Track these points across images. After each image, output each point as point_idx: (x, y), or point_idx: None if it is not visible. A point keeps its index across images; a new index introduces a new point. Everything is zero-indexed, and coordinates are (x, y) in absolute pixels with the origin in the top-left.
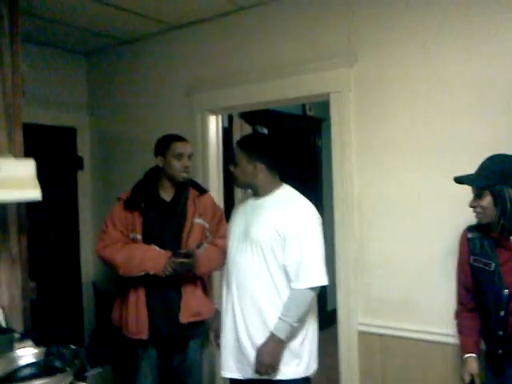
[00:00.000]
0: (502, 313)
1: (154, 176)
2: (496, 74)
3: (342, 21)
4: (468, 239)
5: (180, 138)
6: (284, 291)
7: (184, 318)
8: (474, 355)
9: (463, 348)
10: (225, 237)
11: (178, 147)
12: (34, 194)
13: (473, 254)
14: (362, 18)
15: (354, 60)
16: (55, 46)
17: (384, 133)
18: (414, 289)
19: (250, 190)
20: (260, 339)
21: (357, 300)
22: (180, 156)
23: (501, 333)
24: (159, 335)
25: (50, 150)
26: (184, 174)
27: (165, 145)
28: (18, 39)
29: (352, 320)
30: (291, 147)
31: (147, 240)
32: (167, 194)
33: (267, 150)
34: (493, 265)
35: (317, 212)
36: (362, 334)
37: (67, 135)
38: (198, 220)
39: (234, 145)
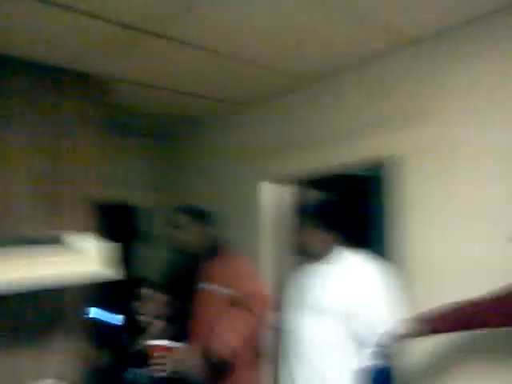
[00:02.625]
0: None
1: None
2: None
3: (398, 87)
4: None
5: None
6: (354, 363)
7: None
8: None
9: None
10: None
11: None
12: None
13: None
14: (419, 83)
15: (412, 124)
16: (126, 131)
17: (444, 197)
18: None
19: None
20: None
21: None
22: None
23: None
24: None
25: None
26: None
27: None
28: (101, 133)
29: None
30: (348, 208)
31: None
32: None
33: (332, 217)
34: None
35: (382, 270)
36: None
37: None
38: None
39: (300, 212)
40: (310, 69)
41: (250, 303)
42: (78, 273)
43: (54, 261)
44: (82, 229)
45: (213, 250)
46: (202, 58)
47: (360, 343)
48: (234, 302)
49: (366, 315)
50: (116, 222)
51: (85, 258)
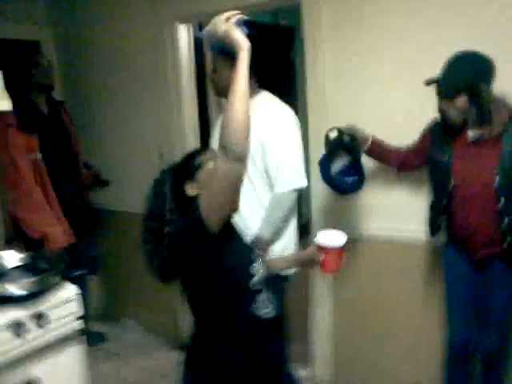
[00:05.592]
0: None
1: None
2: None
3: None
4: (432, 132)
5: None
6: (266, 200)
7: None
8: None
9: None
10: None
11: None
12: (4, 104)
13: (432, 147)
14: None
15: None
16: None
17: (358, 41)
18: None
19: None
20: None
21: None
22: None
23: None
24: None
25: (13, 63)
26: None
27: None
28: None
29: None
30: (265, 56)
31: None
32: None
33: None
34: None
35: (296, 116)
36: None
37: (31, 49)
38: None
39: (211, 50)
40: None
41: None
42: None
43: None
44: None
45: None
46: None
47: (270, 181)
48: None
49: (270, 154)
50: (12, 59)
51: None
